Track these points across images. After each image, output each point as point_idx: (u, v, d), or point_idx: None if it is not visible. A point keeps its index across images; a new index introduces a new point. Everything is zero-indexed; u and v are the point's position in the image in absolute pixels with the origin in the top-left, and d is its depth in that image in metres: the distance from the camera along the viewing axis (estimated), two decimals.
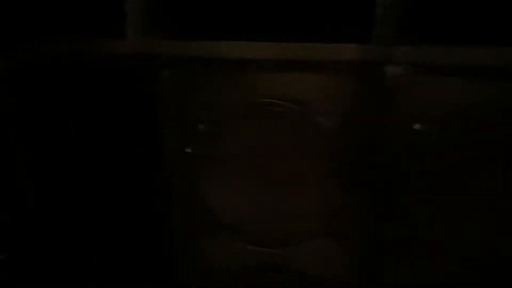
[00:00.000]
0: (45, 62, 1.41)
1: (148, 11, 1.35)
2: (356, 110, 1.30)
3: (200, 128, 1.41)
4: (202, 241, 1.53)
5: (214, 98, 1.37)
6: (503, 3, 1.24)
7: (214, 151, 1.43)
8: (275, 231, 1.47)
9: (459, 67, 1.19)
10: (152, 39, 1.36)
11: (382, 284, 1.38)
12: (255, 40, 1.31)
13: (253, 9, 1.40)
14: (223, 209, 1.49)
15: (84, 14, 1.42)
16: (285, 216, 1.44)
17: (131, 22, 1.34)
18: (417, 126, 1.28)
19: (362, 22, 1.25)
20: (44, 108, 1.46)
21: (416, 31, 1.24)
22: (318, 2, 1.36)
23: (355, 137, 1.32)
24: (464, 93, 1.21)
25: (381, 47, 1.22)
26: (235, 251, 1.50)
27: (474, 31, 1.21)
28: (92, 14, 1.42)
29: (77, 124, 1.46)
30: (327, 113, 1.31)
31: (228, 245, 1.51)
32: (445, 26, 1.24)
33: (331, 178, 1.37)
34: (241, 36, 1.30)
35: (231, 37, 1.31)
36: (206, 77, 1.37)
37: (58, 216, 1.56)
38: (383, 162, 1.32)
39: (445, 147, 1.27)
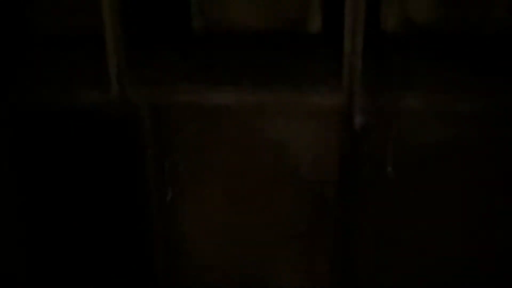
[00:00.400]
0: (29, 111, 1.46)
1: (129, 63, 1.40)
2: (328, 154, 1.36)
3: (180, 170, 1.46)
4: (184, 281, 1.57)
5: (194, 141, 1.42)
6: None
7: (193, 194, 1.47)
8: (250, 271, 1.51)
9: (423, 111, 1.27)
10: (133, 88, 1.42)
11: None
12: (234, 85, 1.38)
13: (232, 58, 1.47)
14: (202, 250, 1.53)
15: (66, 66, 1.49)
16: (259, 254, 1.49)
17: (113, 73, 1.40)
18: (389, 169, 1.35)
19: (330, 71, 1.32)
20: (29, 156, 1.51)
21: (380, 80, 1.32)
22: (290, 51, 1.45)
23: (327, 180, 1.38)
24: (428, 135, 1.28)
25: (348, 94, 1.29)
26: None
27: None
28: (74, 66, 1.48)
29: (60, 171, 1.50)
30: (300, 156, 1.37)
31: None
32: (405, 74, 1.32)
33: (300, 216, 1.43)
34: (218, 82, 1.37)
35: (206, 83, 1.37)
36: (186, 122, 1.42)
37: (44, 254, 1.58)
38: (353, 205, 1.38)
39: (412, 188, 1.33)
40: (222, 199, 1.46)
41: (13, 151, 1.49)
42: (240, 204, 1.48)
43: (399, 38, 1.48)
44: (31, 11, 1.69)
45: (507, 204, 1.40)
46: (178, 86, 1.39)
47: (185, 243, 1.53)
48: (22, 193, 1.52)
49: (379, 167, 1.33)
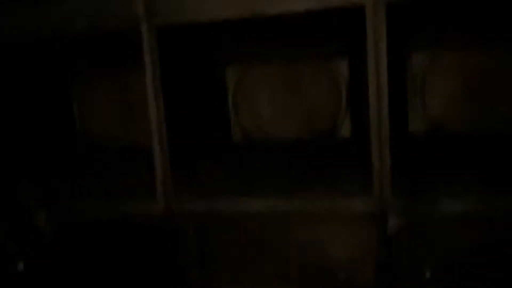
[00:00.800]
0: (77, 221, 1.58)
1: (173, 175, 1.52)
2: (363, 259, 1.38)
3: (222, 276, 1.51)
4: None
5: (235, 250, 1.49)
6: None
7: None
8: None
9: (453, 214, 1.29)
10: (177, 201, 1.52)
11: None
12: (270, 194, 1.45)
13: (268, 167, 1.56)
14: None
15: (115, 178, 1.62)
16: None
17: (160, 186, 1.51)
18: (427, 274, 1.35)
19: (361, 177, 1.38)
20: (83, 264, 1.61)
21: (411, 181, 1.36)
22: (321, 157, 1.52)
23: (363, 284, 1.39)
24: (461, 238, 1.29)
25: (379, 199, 1.34)
26: None
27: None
28: (122, 178, 1.61)
29: (106, 281, 1.58)
30: (335, 261, 1.40)
31: None
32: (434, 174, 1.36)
33: None
34: (256, 192, 1.45)
35: (245, 194, 1.46)
36: (226, 231, 1.50)
37: None
38: None
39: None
40: None
41: (62, 261, 1.59)
42: None
43: (426, 140, 1.55)
44: (82, 123, 1.88)
45: None
46: (219, 198, 1.48)
47: None
48: None
49: (415, 271, 1.34)
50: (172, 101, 1.52)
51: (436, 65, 1.56)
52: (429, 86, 1.58)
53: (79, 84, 1.88)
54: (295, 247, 1.45)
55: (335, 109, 1.62)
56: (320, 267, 1.44)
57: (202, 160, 1.65)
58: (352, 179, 1.45)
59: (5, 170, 1.68)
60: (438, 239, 1.35)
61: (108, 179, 1.67)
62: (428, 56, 1.55)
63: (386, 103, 1.31)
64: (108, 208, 1.56)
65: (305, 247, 1.44)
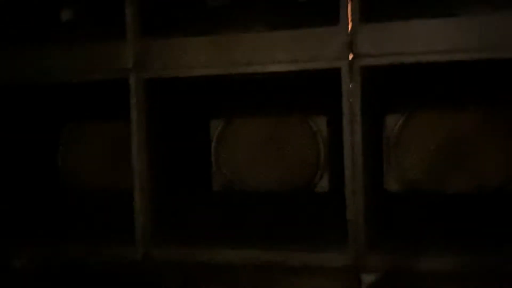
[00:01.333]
0: (65, 265, 1.59)
1: (154, 224, 1.55)
2: None
3: None
4: None
5: None
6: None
7: None
8: None
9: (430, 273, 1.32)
10: (158, 247, 1.54)
11: None
12: (248, 245, 1.48)
13: (247, 217, 1.60)
14: None
15: (95, 222, 1.64)
16: None
17: (139, 233, 1.53)
18: None
19: (337, 230, 1.42)
20: None
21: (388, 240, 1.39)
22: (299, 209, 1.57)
23: None
24: None
25: (354, 254, 1.37)
26: None
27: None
28: (103, 222, 1.63)
29: None
30: None
31: None
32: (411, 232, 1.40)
33: None
34: (233, 243, 1.48)
35: (224, 244, 1.49)
36: (205, 280, 1.51)
37: None
38: None
39: None
40: None
41: None
42: None
43: (402, 198, 1.60)
44: (65, 168, 1.91)
45: None
46: (197, 248, 1.50)
47: None
48: None
49: None
50: (156, 150, 1.57)
51: (411, 126, 1.63)
52: (403, 146, 1.65)
53: (66, 133, 1.92)
54: None
55: (314, 164, 1.68)
56: None
57: (183, 209, 1.68)
58: (328, 233, 1.48)
59: None
60: None
61: (88, 225, 1.69)
62: (402, 116, 1.63)
63: (361, 161, 1.36)
64: (86, 252, 1.58)
65: None
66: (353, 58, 1.26)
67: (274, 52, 1.30)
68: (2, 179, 1.74)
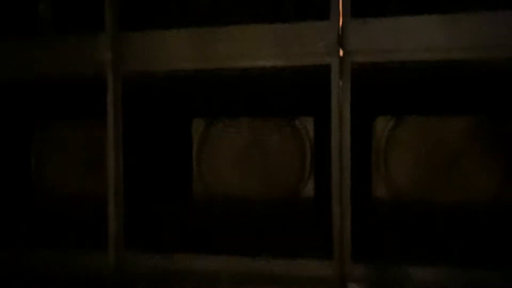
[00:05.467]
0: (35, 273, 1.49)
1: (126, 227, 1.45)
2: None
3: None
4: None
5: None
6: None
7: None
8: None
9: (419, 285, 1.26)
10: (130, 255, 1.44)
11: None
12: (227, 254, 1.40)
13: (228, 225, 1.52)
14: None
15: (68, 228, 1.55)
16: None
17: (112, 240, 1.44)
18: None
19: (322, 239, 1.34)
20: None
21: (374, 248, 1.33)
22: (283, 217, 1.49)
23: None
24: None
25: (339, 264, 1.30)
26: None
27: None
28: (76, 228, 1.54)
29: None
30: None
31: None
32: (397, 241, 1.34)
33: None
34: (212, 250, 1.40)
35: (201, 250, 1.40)
36: None
37: None
38: None
39: None
40: None
41: None
42: None
43: (390, 206, 1.54)
44: (38, 170, 1.81)
45: None
46: (173, 255, 1.41)
47: None
48: None
49: None
50: (133, 151, 1.48)
51: (401, 130, 1.58)
52: (392, 152, 1.59)
53: (39, 132, 1.83)
54: None
55: (300, 168, 1.61)
56: None
57: (160, 215, 1.59)
58: (313, 241, 1.41)
59: None
60: None
61: (60, 230, 1.59)
62: (392, 120, 1.57)
63: (349, 165, 1.30)
64: (58, 260, 1.48)
65: None
66: (343, 55, 1.20)
67: (261, 47, 1.23)
68: None
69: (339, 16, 1.20)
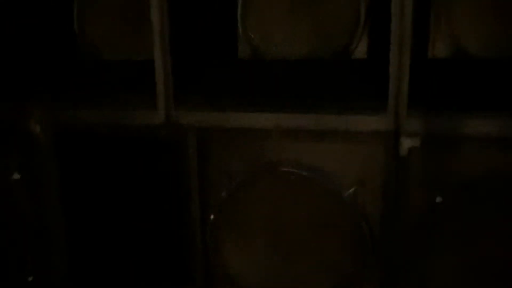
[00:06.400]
0: (80, 130, 1.52)
1: (175, 87, 1.44)
2: (372, 180, 1.32)
3: (222, 195, 1.46)
4: None
5: (234, 166, 1.42)
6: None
7: (233, 219, 1.46)
8: None
9: (472, 137, 1.22)
10: (178, 111, 1.44)
11: None
12: (277, 110, 1.38)
13: (276, 84, 1.48)
14: (242, 277, 1.50)
15: (118, 92, 1.54)
16: (302, 284, 1.45)
17: (161, 96, 1.43)
18: (438, 199, 1.29)
19: (376, 95, 1.29)
20: (77, 174, 1.55)
21: (428, 103, 1.28)
22: (334, 77, 1.44)
23: (371, 206, 1.33)
24: (478, 163, 1.22)
25: (394, 118, 1.26)
26: None
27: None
28: (126, 92, 1.53)
29: (107, 190, 1.54)
30: (342, 182, 1.34)
31: None
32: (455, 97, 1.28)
33: (346, 246, 1.37)
34: (260, 108, 1.38)
35: (251, 108, 1.38)
36: (227, 146, 1.43)
37: None
38: (398, 233, 1.32)
39: (460, 217, 1.26)
40: (262, 225, 1.45)
41: (60, 170, 1.54)
42: (279, 233, 1.45)
43: (449, 65, 1.45)
44: (83, 38, 1.78)
45: None
46: (222, 112, 1.40)
47: (223, 267, 1.51)
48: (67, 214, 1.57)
49: (425, 194, 1.28)
50: (177, 11, 1.43)
51: None
52: (454, 7, 1.46)
53: None
54: (302, 167, 1.38)
55: (352, 27, 1.51)
56: (327, 190, 1.37)
57: (207, 76, 1.56)
58: (366, 99, 1.36)
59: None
60: (452, 163, 1.27)
61: (108, 90, 1.59)
62: None
63: (410, 20, 1.23)
64: (107, 117, 1.50)
65: (312, 167, 1.38)
66: None
67: None
68: (19, 46, 1.63)
69: None
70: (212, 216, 1.47)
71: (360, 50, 1.52)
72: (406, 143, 1.26)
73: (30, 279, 1.61)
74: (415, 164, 1.28)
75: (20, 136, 1.56)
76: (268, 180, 1.43)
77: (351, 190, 1.34)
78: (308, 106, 1.36)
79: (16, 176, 1.58)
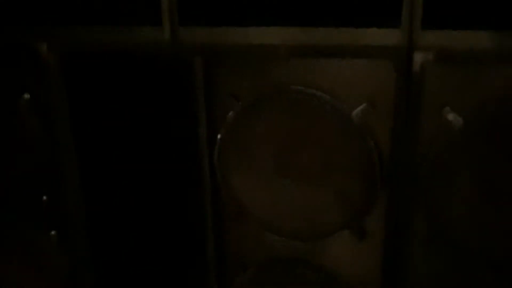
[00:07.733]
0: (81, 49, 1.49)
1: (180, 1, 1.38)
2: (383, 98, 1.26)
3: (229, 116, 1.42)
4: (231, 233, 1.54)
5: (242, 85, 1.38)
6: None
7: (242, 141, 1.44)
8: (300, 224, 1.45)
9: (488, 53, 1.13)
10: (185, 27, 1.39)
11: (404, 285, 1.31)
12: (283, 25, 1.31)
13: None
14: (251, 201, 1.49)
15: (122, 10, 1.50)
16: (310, 209, 1.42)
17: (165, 11, 1.39)
18: (450, 116, 1.21)
19: (388, 8, 1.21)
20: (84, 94, 1.54)
21: (443, 17, 1.19)
22: None
23: (382, 126, 1.28)
24: (497, 80, 1.14)
25: (407, 32, 1.18)
26: (262, 242, 1.50)
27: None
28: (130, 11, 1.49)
29: (109, 111, 1.52)
30: (352, 100, 1.28)
31: (256, 236, 1.50)
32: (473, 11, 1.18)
33: (356, 170, 1.33)
34: (268, 22, 1.31)
35: (259, 22, 1.32)
36: (235, 64, 1.38)
37: None
38: (411, 155, 1.27)
39: (476, 138, 1.19)
40: (270, 143, 1.41)
41: (68, 90, 1.53)
42: (288, 155, 1.42)
43: None
44: None
45: None
46: (228, 27, 1.35)
47: (232, 192, 1.50)
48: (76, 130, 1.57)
49: (438, 112, 1.21)
50: None
51: None
52: None
53: None
54: (310, 84, 1.33)
55: None
56: (336, 108, 1.32)
57: None
58: (378, 12, 1.28)
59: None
60: (468, 81, 1.19)
61: (112, 9, 1.54)
62: None
63: None
64: (112, 36, 1.46)
65: (320, 84, 1.32)
66: None
67: None
68: None
69: None
70: (219, 136, 1.44)
71: None
72: (419, 57, 1.19)
73: (44, 198, 1.64)
74: (429, 81, 1.21)
75: (29, 56, 1.55)
76: (276, 99, 1.38)
77: (359, 108, 1.28)
78: (318, 19, 1.29)
79: (27, 95, 1.58)
